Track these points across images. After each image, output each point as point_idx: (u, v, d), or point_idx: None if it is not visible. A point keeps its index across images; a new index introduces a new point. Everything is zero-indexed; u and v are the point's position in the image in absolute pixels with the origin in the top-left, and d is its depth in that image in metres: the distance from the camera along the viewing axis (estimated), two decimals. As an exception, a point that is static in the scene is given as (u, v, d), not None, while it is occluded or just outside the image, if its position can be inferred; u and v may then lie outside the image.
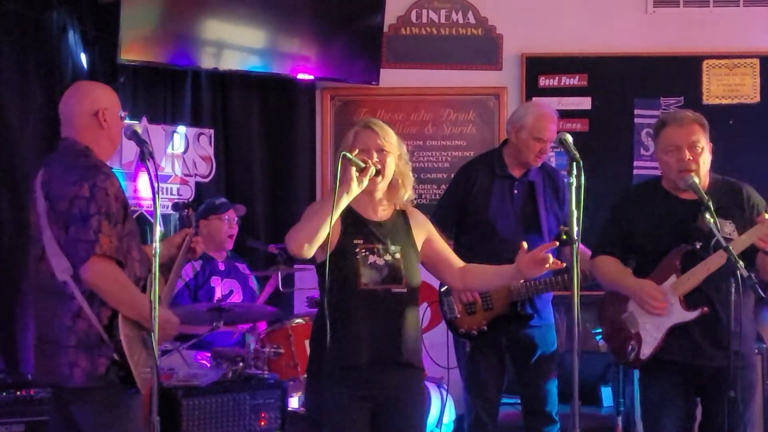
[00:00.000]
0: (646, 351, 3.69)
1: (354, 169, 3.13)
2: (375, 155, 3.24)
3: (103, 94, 3.46)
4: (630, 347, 3.74)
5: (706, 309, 3.59)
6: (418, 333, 3.39)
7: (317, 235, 3.12)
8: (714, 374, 3.61)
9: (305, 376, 3.42)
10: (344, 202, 3.14)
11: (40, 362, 3.33)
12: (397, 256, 3.29)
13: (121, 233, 3.23)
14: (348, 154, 3.13)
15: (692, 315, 3.61)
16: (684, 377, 3.68)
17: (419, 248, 3.40)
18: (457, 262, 3.49)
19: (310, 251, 3.16)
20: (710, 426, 3.72)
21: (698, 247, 3.60)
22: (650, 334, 3.68)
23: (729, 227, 3.61)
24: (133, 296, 3.24)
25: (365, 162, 3.15)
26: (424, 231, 3.44)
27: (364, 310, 3.20)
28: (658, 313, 3.64)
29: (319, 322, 3.33)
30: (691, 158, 3.62)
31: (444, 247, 3.51)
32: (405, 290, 3.27)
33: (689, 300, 3.62)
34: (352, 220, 3.28)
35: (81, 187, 3.19)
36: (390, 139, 3.31)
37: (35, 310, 3.38)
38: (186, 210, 3.91)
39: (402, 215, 3.42)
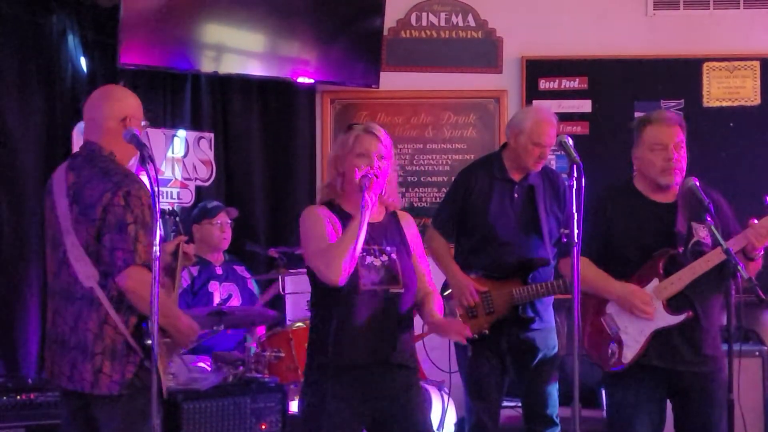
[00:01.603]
0: (629, 355, 3.64)
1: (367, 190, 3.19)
2: (375, 161, 3.27)
3: (131, 102, 3.47)
4: (611, 351, 3.69)
5: (691, 313, 3.58)
6: (411, 334, 3.40)
7: (356, 260, 3.20)
8: (692, 379, 3.62)
9: (304, 380, 3.41)
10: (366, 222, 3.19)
11: (59, 367, 3.30)
12: (393, 256, 3.31)
13: (151, 241, 3.25)
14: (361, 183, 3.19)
15: (678, 319, 3.59)
16: (660, 381, 3.66)
17: (411, 250, 3.41)
18: (426, 287, 3.47)
19: None
20: (686, 429, 3.72)
21: (680, 251, 3.60)
22: (633, 338, 3.64)
23: (703, 231, 3.61)
24: (165, 304, 3.25)
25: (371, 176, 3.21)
26: (413, 238, 3.45)
27: (363, 311, 3.21)
28: (646, 318, 3.62)
29: (316, 324, 3.35)
30: (677, 158, 3.64)
31: (421, 266, 3.48)
32: (402, 290, 3.28)
33: (672, 304, 3.61)
34: (346, 219, 3.29)
35: (115, 195, 3.20)
36: (388, 145, 3.36)
37: (53, 315, 3.35)
38: (171, 217, 3.92)
39: (393, 216, 3.44)
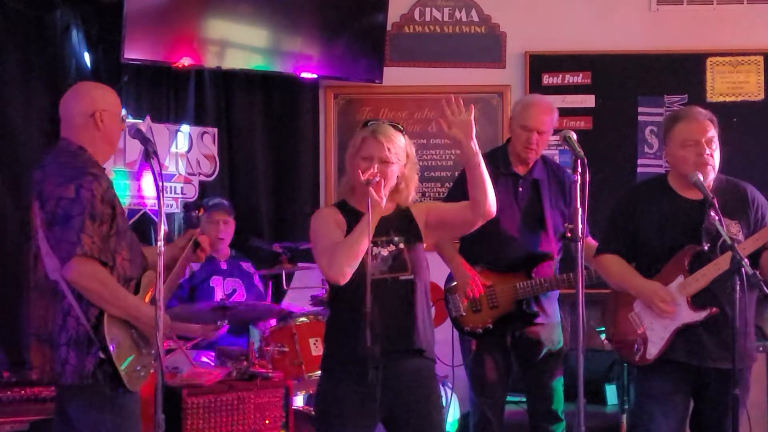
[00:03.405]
0: (653, 351, 3.67)
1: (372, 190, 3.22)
2: (376, 166, 3.28)
3: (102, 96, 3.46)
4: (636, 347, 3.72)
5: (715, 309, 3.58)
6: (430, 322, 3.42)
7: (358, 260, 3.20)
8: (716, 375, 3.61)
9: (320, 372, 3.46)
10: (376, 220, 3.22)
11: (36, 359, 3.36)
12: (401, 246, 3.33)
13: (107, 233, 3.25)
14: (368, 181, 3.23)
15: (701, 315, 3.60)
16: (686, 377, 3.68)
17: (423, 238, 3.41)
18: (463, 203, 3.47)
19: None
20: (703, 424, 3.74)
21: (706, 248, 3.59)
22: (657, 334, 3.67)
23: (735, 227, 3.61)
24: (117, 296, 3.26)
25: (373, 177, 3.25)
26: (423, 214, 3.45)
27: (374, 300, 3.21)
28: (666, 317, 3.63)
29: (332, 317, 3.40)
30: (710, 153, 3.63)
31: (446, 204, 3.60)
32: (412, 277, 3.30)
33: (697, 300, 3.61)
34: (355, 217, 3.31)
35: (67, 188, 3.21)
36: (395, 149, 3.35)
37: (32, 308, 3.40)
38: (196, 211, 3.92)
39: (405, 210, 3.45)
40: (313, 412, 3.39)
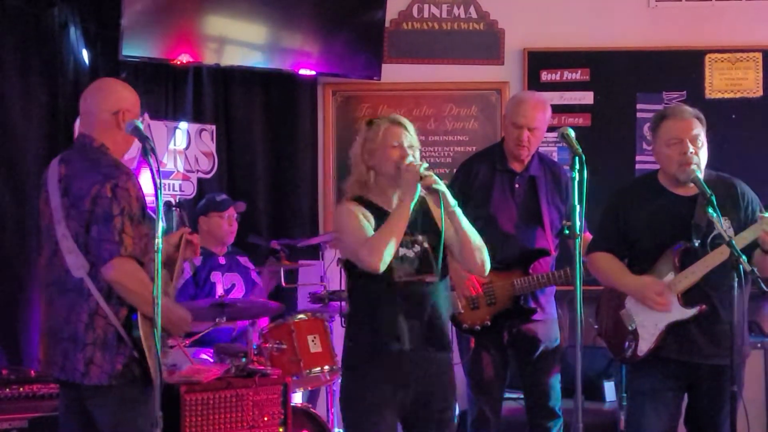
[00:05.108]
0: (644, 348, 3.68)
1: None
2: (408, 152, 3.31)
3: (126, 95, 3.48)
4: (627, 344, 3.73)
5: (704, 307, 3.58)
6: (448, 317, 3.48)
7: (396, 247, 3.24)
8: (709, 371, 3.62)
9: (343, 369, 3.46)
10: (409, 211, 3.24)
11: (51, 358, 3.33)
12: (425, 245, 3.34)
13: (141, 233, 3.25)
14: (422, 171, 3.23)
15: (690, 312, 3.60)
16: (678, 374, 3.68)
17: (443, 227, 3.37)
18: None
19: None
20: (697, 420, 3.76)
21: (696, 244, 3.59)
22: (648, 331, 3.68)
23: (725, 224, 3.60)
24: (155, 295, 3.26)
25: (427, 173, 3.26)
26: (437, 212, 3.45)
27: (400, 302, 3.25)
28: (660, 310, 3.63)
29: (356, 315, 3.39)
30: (693, 151, 3.62)
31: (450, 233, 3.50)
32: (436, 279, 3.32)
33: (687, 297, 3.61)
34: (379, 215, 3.32)
35: (103, 186, 3.21)
36: (414, 134, 3.39)
37: (46, 306, 3.38)
38: (176, 209, 3.92)
39: (421, 201, 3.41)
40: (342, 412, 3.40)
